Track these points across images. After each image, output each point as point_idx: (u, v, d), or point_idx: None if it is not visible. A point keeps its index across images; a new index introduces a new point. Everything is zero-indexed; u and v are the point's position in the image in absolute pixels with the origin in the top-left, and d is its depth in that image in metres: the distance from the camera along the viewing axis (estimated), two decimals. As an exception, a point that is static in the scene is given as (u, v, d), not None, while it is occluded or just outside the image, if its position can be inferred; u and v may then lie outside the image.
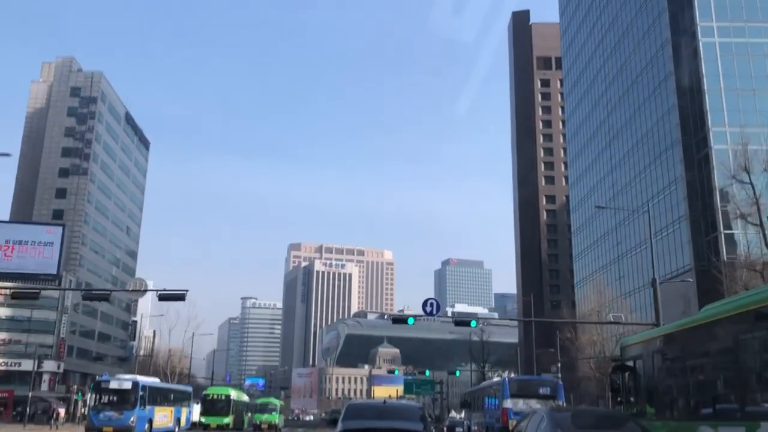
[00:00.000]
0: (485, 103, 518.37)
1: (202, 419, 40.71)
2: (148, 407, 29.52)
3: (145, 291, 29.80)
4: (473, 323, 27.74)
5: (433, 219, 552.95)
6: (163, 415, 31.89)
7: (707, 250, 58.95)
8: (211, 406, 40.69)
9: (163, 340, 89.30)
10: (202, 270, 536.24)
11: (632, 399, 14.67)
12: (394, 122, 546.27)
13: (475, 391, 37.53)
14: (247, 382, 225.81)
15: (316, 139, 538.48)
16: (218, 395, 41.90)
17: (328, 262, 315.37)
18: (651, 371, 14.05)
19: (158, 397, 31.75)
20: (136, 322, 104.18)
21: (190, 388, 43.39)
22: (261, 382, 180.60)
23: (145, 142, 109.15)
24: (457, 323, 28.03)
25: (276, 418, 44.72)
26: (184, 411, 37.22)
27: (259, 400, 50.40)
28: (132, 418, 28.03)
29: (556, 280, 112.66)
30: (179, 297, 25.82)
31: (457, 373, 60.37)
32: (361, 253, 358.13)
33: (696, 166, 61.41)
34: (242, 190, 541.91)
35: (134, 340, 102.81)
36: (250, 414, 47.98)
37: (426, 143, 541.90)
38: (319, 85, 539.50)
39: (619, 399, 15.19)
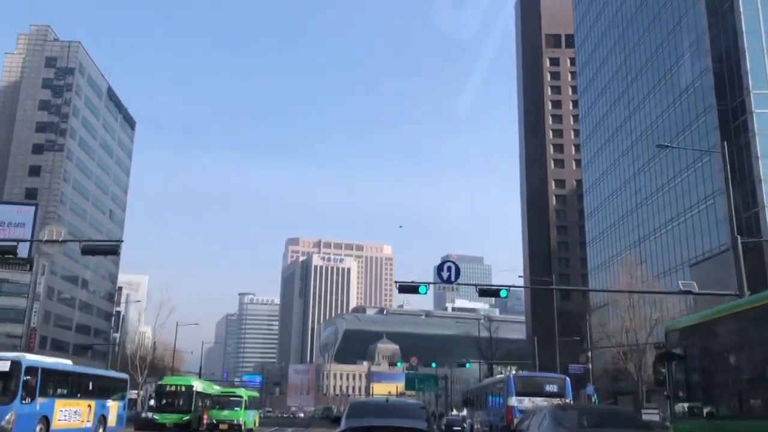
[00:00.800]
0: (486, 100, 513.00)
1: (155, 417, 32.14)
2: (41, 399, 20.37)
3: (64, 242, 23.21)
4: (503, 293, 21.61)
5: (433, 216, 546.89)
6: (72, 412, 22.54)
7: (746, 226, 52.78)
8: (166, 400, 32.36)
9: (155, 333, 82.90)
10: (200, 266, 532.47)
11: (682, 394, 12.54)
12: (395, 120, 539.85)
13: (478, 389, 36.05)
14: (243, 379, 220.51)
15: (316, 136, 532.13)
16: (176, 387, 33.38)
17: (327, 256, 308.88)
18: (709, 360, 11.99)
19: (65, 385, 22.67)
20: (120, 312, 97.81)
21: (124, 376, 31.92)
22: (258, 379, 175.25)
23: (130, 121, 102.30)
24: (483, 293, 21.82)
25: (240, 416, 33.99)
26: (114, 406, 26.70)
27: (218, 391, 38.19)
28: (9, 416, 18.80)
29: (566, 269, 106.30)
30: (110, 250, 19.52)
31: (468, 365, 54.23)
32: (360, 248, 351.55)
33: (733, 134, 54.99)
34: (242, 188, 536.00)
35: (118, 331, 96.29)
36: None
37: (426, 141, 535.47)
38: (319, 83, 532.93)
39: (666, 393, 13.14)
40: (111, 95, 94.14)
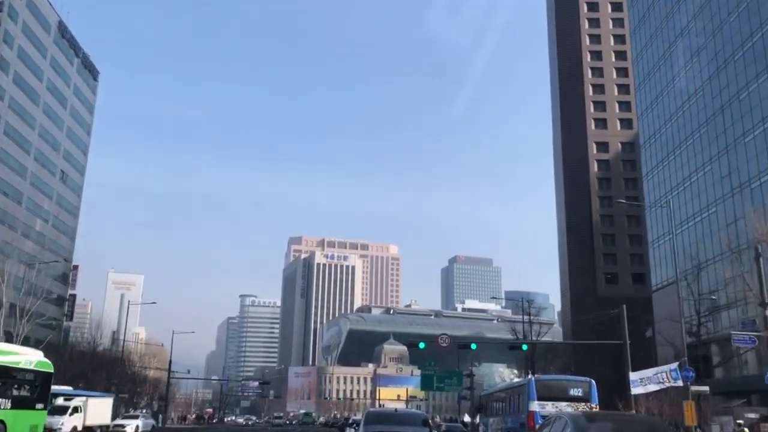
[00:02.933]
0: (486, 102, 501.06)
1: None
2: None
3: None
4: None
5: (436, 219, 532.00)
6: None
7: None
8: None
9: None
10: (202, 269, 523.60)
11: None
12: (394, 123, 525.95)
13: (493, 393, 35.11)
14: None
15: (316, 140, 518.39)
16: None
17: (330, 254, 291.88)
18: None
19: None
20: (74, 296, 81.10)
21: None
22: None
23: (91, 69, 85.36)
24: None
25: None
26: None
27: None
28: None
29: (611, 247, 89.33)
30: None
31: (524, 346, 38.55)
32: (365, 247, 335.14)
33: None
34: (242, 192, 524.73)
35: (71, 319, 79.62)
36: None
37: (426, 143, 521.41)
38: (319, 85, 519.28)
39: None
40: (63, 32, 77.29)
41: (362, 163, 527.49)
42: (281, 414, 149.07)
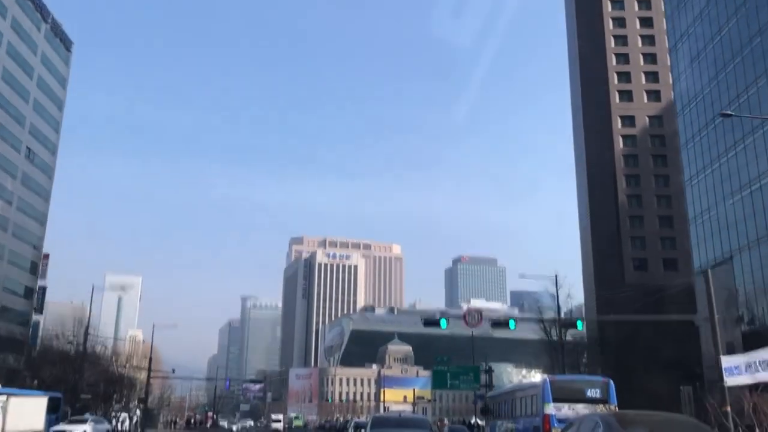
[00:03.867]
0: (489, 102, 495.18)
1: None
2: None
3: None
4: None
5: (438, 220, 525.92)
6: None
7: None
8: None
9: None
10: (203, 272, 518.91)
11: None
12: (396, 125, 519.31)
13: (501, 395, 33.96)
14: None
15: (317, 143, 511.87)
16: None
17: (332, 253, 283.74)
18: None
19: None
20: (45, 288, 72.91)
21: None
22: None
23: (62, 38, 76.99)
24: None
25: None
26: None
27: None
28: None
29: (639, 229, 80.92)
30: None
31: (579, 324, 31.74)
32: (367, 247, 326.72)
33: None
34: (243, 194, 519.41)
35: (41, 313, 71.48)
36: None
37: (428, 146, 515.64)
38: (320, 86, 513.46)
39: None
40: (29, -8, 69.42)
41: (365, 163, 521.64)
42: (280, 417, 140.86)
